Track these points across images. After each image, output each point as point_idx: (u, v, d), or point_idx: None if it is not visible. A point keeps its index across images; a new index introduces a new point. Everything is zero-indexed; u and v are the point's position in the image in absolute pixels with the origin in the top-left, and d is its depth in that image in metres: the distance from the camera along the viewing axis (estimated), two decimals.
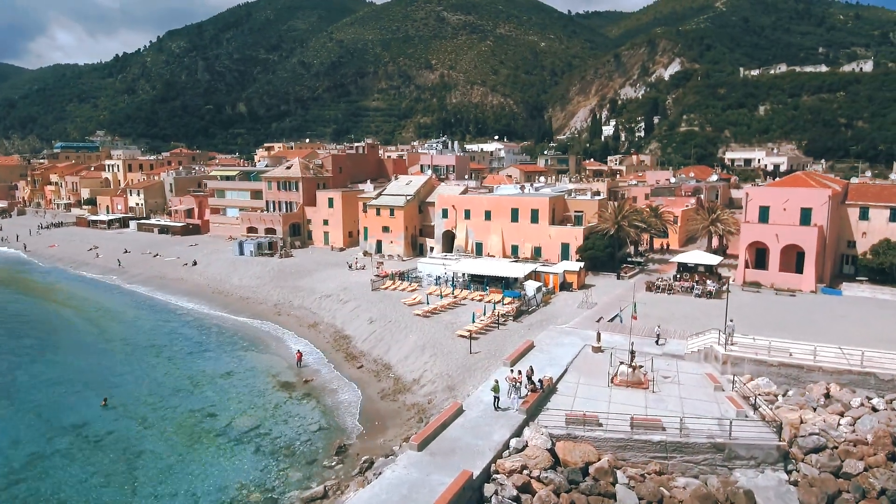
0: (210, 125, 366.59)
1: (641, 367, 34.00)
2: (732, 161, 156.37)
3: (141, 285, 74.67)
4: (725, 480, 25.98)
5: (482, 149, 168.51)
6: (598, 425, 28.16)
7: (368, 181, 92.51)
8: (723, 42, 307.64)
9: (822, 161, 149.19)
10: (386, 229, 78.40)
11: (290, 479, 29.02)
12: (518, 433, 27.83)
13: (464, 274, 57.86)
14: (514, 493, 24.14)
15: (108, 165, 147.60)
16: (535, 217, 67.46)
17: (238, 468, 30.30)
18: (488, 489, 24.35)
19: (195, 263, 79.27)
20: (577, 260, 61.45)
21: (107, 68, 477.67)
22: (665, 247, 76.62)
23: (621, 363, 34.15)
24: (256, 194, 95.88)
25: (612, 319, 45.30)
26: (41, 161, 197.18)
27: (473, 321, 44.00)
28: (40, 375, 44.36)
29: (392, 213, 77.62)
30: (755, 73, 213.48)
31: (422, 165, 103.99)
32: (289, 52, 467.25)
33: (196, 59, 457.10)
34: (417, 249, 78.60)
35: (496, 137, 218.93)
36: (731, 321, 36.83)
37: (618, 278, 60.60)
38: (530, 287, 51.66)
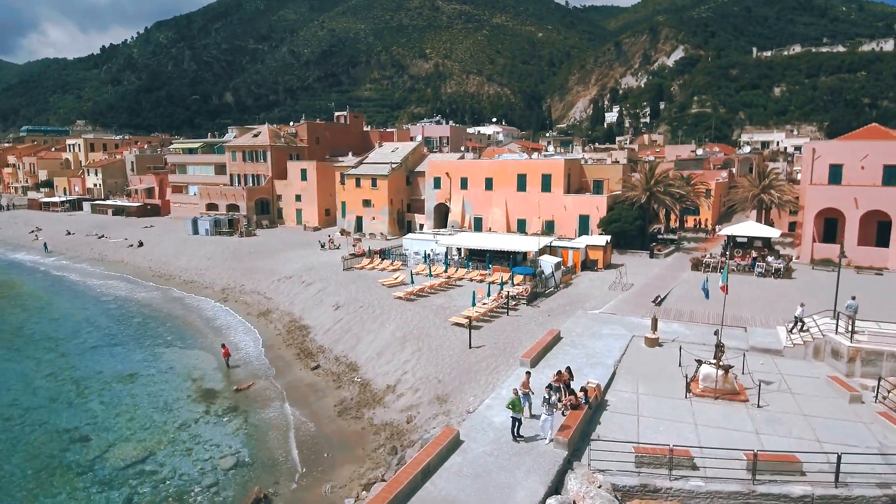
0: (196, 115, 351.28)
1: (731, 367, 22.22)
2: (748, 143, 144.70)
3: (72, 269, 62.43)
4: None
5: (479, 131, 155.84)
6: (692, 469, 16.35)
7: (350, 154, 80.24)
8: (726, 31, 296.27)
9: None
10: (367, 203, 66.05)
11: None
12: (557, 486, 15.85)
13: (460, 250, 45.93)
14: None
15: (70, 145, 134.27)
16: (546, 184, 55.31)
17: None
18: None
19: (141, 244, 66.94)
20: (600, 234, 49.56)
21: (92, 60, 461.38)
22: (698, 223, 64.81)
23: (701, 362, 22.37)
24: (221, 169, 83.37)
25: (658, 302, 33.49)
26: (5, 144, 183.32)
27: (473, 304, 31.86)
28: None
29: (374, 184, 65.27)
30: (767, 53, 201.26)
31: (412, 138, 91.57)
32: (279, 42, 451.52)
33: (183, 49, 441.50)
34: (405, 227, 66.43)
35: (494, 120, 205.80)
36: (853, 298, 25.06)
37: (651, 256, 48.83)
38: (547, 263, 39.64)
